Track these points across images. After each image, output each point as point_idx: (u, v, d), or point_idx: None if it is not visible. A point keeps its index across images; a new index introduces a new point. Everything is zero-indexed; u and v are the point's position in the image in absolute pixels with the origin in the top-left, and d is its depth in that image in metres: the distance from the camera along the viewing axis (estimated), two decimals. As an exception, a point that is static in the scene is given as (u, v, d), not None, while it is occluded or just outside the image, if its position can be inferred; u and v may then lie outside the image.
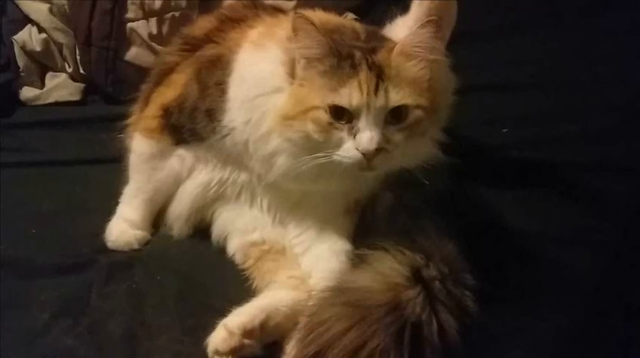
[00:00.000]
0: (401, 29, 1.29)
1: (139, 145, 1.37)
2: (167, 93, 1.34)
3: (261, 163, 1.21)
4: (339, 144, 1.09)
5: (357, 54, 1.10)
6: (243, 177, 1.30)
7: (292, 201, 1.28)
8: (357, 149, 1.07)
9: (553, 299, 1.18)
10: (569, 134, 1.59)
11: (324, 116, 1.08)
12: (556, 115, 1.64)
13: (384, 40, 1.18)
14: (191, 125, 1.27)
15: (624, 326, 1.14)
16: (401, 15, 1.32)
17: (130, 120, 1.49)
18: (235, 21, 1.36)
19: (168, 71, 1.40)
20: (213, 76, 1.25)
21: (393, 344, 1.00)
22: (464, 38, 1.58)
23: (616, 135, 1.57)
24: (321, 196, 1.25)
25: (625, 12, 1.71)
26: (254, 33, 1.26)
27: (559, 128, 1.61)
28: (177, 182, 1.35)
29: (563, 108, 1.65)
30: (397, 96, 1.07)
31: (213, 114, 1.24)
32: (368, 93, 1.06)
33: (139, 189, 1.39)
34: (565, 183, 1.46)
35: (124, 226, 1.38)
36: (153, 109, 1.36)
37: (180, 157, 1.33)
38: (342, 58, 1.09)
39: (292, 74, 1.14)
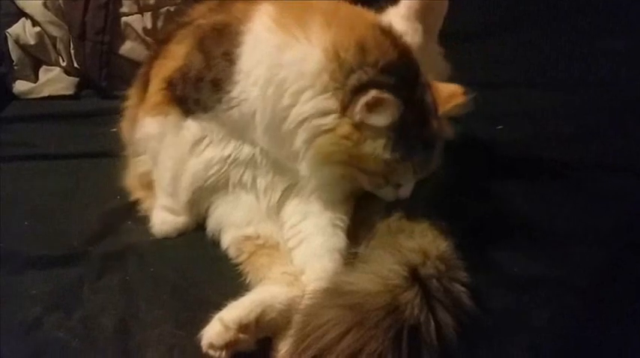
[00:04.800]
0: (392, 19, 1.30)
1: (151, 127, 1.33)
2: (168, 65, 1.31)
3: (277, 147, 1.21)
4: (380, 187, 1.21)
5: (415, 132, 1.16)
6: (247, 150, 1.28)
7: (291, 182, 1.28)
8: (396, 194, 1.21)
9: (549, 297, 1.17)
10: (563, 132, 1.60)
11: (381, 181, 1.19)
12: (550, 113, 1.65)
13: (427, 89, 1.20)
14: (196, 95, 1.25)
15: (620, 326, 1.14)
16: (391, 5, 1.33)
17: (127, 104, 1.48)
18: None
19: (164, 41, 1.38)
20: (220, 46, 1.22)
21: (391, 347, 0.99)
22: (458, 37, 1.59)
23: (609, 134, 1.57)
24: (322, 180, 1.24)
25: (619, 11, 1.72)
26: (270, 7, 1.23)
27: (553, 126, 1.61)
28: (192, 155, 1.32)
29: (557, 107, 1.65)
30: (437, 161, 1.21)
31: (219, 84, 1.22)
32: (422, 172, 1.20)
33: (163, 170, 1.35)
34: (560, 181, 1.46)
35: (164, 215, 1.37)
36: (156, 84, 1.33)
37: (189, 129, 1.29)
38: (403, 137, 1.14)
39: (339, 95, 1.14)
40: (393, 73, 1.14)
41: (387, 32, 1.19)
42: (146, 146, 1.38)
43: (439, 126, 1.19)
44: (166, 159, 1.33)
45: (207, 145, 1.29)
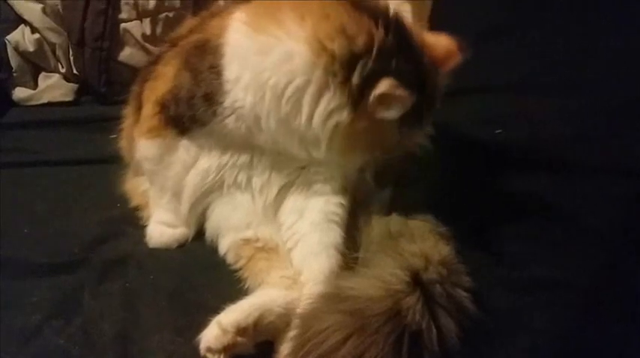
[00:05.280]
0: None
1: (147, 149, 1.34)
2: (158, 88, 1.31)
3: (293, 144, 1.21)
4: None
5: (420, 102, 1.13)
6: (243, 159, 1.28)
7: (289, 179, 1.28)
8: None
9: (549, 298, 1.17)
10: (563, 133, 1.59)
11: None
12: (550, 115, 1.64)
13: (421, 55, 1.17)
14: (190, 113, 1.24)
15: (621, 327, 1.14)
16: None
17: (124, 124, 1.47)
18: (216, 13, 1.34)
19: (153, 62, 1.38)
20: (205, 61, 1.22)
21: (392, 353, 0.99)
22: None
23: (609, 135, 1.56)
24: (318, 174, 1.26)
25: (619, 13, 1.71)
26: (241, 14, 1.22)
27: (553, 128, 1.61)
28: (189, 171, 1.33)
29: (557, 108, 1.64)
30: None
31: (212, 98, 1.21)
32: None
33: (162, 188, 1.36)
34: (560, 183, 1.46)
35: (162, 228, 1.37)
36: (149, 109, 1.32)
37: (186, 148, 1.30)
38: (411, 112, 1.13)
39: (343, 88, 1.12)
40: (387, 52, 1.12)
41: (361, 7, 1.17)
42: (143, 167, 1.39)
43: (439, 84, 1.18)
44: (165, 179, 1.34)
45: (204, 158, 1.30)
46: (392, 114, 1.10)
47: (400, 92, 1.08)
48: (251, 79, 1.17)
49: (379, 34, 1.12)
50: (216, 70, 1.20)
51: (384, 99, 1.09)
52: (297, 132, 1.17)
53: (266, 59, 1.15)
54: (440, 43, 1.20)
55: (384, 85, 1.08)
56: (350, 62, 1.11)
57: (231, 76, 1.19)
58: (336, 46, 1.11)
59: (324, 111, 1.14)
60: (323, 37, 1.12)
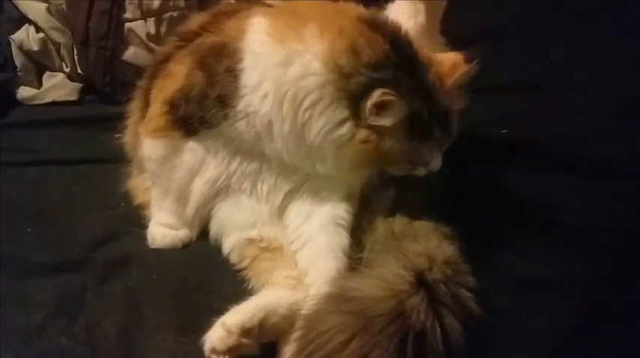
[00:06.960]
0: (397, 12, 1.30)
1: (153, 149, 1.33)
2: (168, 87, 1.30)
3: (303, 156, 1.21)
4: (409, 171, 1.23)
5: (426, 115, 1.15)
6: (252, 166, 1.29)
7: (294, 185, 1.28)
8: (427, 169, 1.23)
9: (551, 298, 1.17)
10: (567, 134, 1.59)
11: (409, 166, 1.22)
12: (554, 116, 1.64)
13: (427, 70, 1.19)
14: (201, 113, 1.24)
15: (623, 328, 1.14)
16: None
17: (128, 121, 1.47)
18: (230, 13, 1.34)
19: (163, 60, 1.36)
20: (222, 63, 1.22)
21: (396, 354, 0.98)
22: (460, 41, 1.58)
23: (613, 135, 1.56)
24: (326, 181, 1.26)
25: (622, 13, 1.71)
26: (262, 21, 1.23)
27: (557, 127, 1.61)
28: (195, 176, 1.32)
29: (561, 110, 1.64)
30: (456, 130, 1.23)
31: (225, 101, 1.21)
32: (444, 146, 1.22)
33: (165, 191, 1.35)
34: (563, 183, 1.46)
35: (164, 230, 1.36)
36: (157, 108, 1.31)
37: (192, 151, 1.29)
38: (416, 124, 1.16)
39: (347, 103, 1.15)
40: (389, 65, 1.14)
41: (374, 24, 1.19)
42: (146, 168, 1.38)
43: (448, 99, 1.19)
44: (169, 181, 1.33)
45: (211, 163, 1.29)
46: (386, 120, 1.13)
47: (389, 97, 1.11)
48: (271, 88, 1.17)
49: (382, 48, 1.15)
50: (233, 74, 1.20)
51: (378, 108, 1.12)
52: (307, 145, 1.18)
53: (287, 72, 1.16)
54: (447, 58, 1.23)
55: (375, 95, 1.11)
56: (353, 76, 1.14)
57: (250, 82, 1.19)
58: (345, 61, 1.13)
59: (329, 125, 1.15)
60: (336, 54, 1.14)
